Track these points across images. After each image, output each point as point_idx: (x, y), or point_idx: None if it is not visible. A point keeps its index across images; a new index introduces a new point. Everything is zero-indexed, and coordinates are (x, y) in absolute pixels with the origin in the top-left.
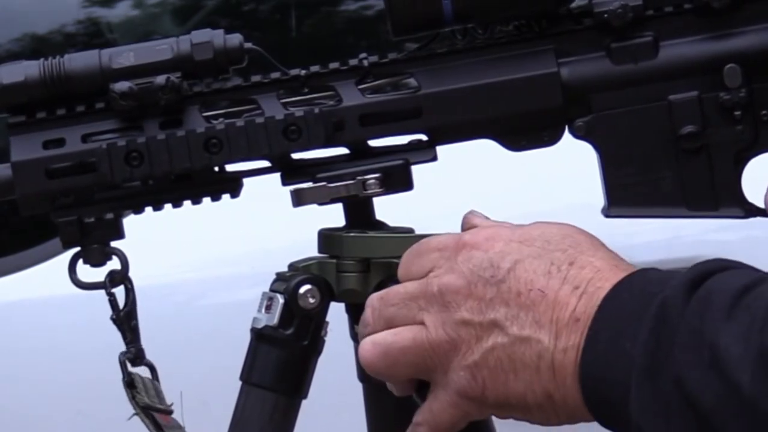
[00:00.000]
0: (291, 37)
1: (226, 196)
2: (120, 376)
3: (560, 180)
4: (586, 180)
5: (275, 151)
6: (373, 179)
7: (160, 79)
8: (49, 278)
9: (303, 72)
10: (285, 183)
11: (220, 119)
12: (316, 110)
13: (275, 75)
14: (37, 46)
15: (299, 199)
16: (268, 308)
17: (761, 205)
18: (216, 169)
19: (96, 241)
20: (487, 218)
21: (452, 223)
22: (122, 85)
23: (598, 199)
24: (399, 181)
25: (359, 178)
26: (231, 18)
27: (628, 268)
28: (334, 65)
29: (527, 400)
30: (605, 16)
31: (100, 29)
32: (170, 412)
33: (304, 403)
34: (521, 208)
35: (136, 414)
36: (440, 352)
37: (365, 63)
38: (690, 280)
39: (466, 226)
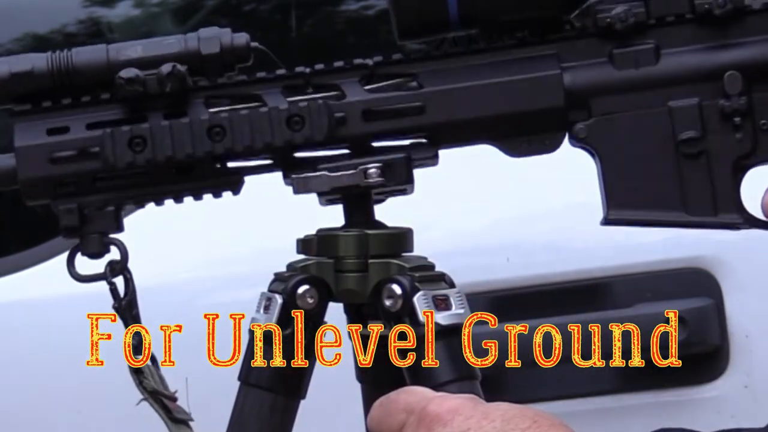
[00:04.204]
0: (291, 37)
1: (227, 194)
2: (120, 374)
3: (559, 180)
4: (585, 180)
5: (278, 141)
6: (374, 168)
7: (166, 67)
8: (49, 278)
9: (308, 70)
10: (286, 179)
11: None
12: (320, 101)
13: (280, 71)
14: (37, 46)
15: (299, 186)
16: (267, 308)
17: (759, 214)
18: (218, 166)
19: (95, 230)
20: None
21: (451, 224)
22: (129, 71)
23: (597, 198)
24: (400, 174)
25: (360, 168)
26: (231, 18)
27: None
28: (338, 64)
29: None
30: (608, 20)
31: (101, 29)
32: (175, 399)
33: (303, 403)
34: (521, 209)
35: (144, 399)
36: None
37: (369, 62)
38: None
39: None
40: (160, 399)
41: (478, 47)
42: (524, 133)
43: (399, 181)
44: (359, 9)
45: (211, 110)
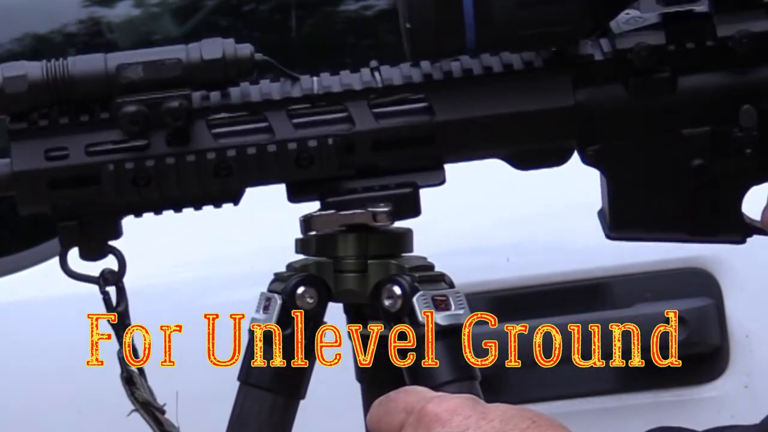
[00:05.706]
0: (291, 37)
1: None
2: (119, 374)
3: (559, 180)
4: (585, 180)
5: (286, 179)
6: (383, 212)
7: (173, 103)
8: (49, 278)
9: (316, 87)
10: (291, 199)
11: (231, 142)
12: (330, 141)
13: (286, 90)
14: (37, 46)
15: (308, 227)
16: (266, 308)
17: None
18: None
19: (93, 239)
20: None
21: (451, 224)
22: (130, 108)
23: (596, 198)
24: (407, 209)
25: (370, 209)
26: (231, 18)
27: None
28: (346, 81)
29: None
30: (628, 56)
31: (101, 29)
32: (163, 412)
33: (303, 403)
34: (521, 209)
35: (136, 410)
36: None
37: (378, 81)
38: None
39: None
40: (151, 410)
41: (491, 72)
42: (535, 157)
43: (407, 214)
44: (359, 9)
45: (214, 117)
